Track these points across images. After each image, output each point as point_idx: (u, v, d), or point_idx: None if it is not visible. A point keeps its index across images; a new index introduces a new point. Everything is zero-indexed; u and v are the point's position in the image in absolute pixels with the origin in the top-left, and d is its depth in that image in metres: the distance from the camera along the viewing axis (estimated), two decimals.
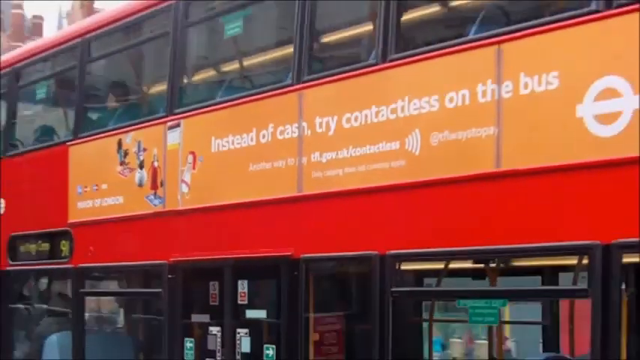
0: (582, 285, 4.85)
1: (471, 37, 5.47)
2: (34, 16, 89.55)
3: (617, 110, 4.65)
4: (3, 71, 9.74)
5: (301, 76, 6.33)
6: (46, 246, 8.77)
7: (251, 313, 6.68)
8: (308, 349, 6.31)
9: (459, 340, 15.56)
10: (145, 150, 7.63)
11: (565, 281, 5.89)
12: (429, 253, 5.65)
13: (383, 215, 5.79)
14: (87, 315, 9.06)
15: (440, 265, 6.02)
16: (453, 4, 6.17)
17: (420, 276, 6.77)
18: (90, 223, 8.19)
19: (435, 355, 11.33)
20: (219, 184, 6.98)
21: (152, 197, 7.52)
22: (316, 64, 6.47)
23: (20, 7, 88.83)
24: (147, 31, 8.12)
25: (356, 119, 5.92)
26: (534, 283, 6.59)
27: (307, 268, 6.22)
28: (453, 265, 5.96)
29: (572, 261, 5.11)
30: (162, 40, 7.76)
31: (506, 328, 15.36)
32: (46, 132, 9.53)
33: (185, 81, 7.71)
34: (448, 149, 5.38)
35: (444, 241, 5.46)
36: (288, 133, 6.37)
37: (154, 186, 7.51)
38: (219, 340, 6.87)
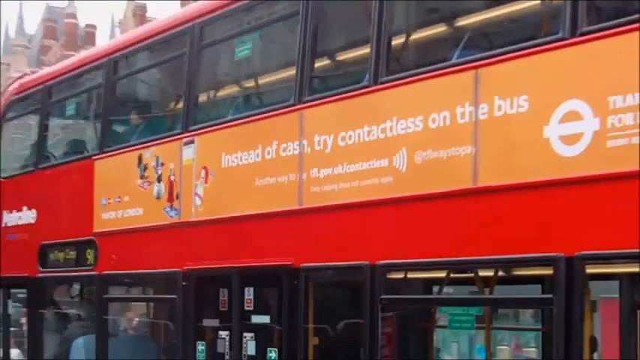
0: (548, 295, 5.21)
1: (452, 62, 5.85)
2: (87, 25, 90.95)
3: (579, 132, 5.00)
4: (36, 88, 10.35)
5: (302, 96, 6.76)
6: (73, 254, 9.29)
7: (256, 319, 7.12)
8: (307, 353, 6.72)
9: (506, 348, 15.74)
10: (162, 165, 8.12)
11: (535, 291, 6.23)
12: (415, 264, 6.05)
13: (373, 228, 6.20)
14: (112, 318, 9.57)
15: (426, 275, 6.39)
16: (439, 30, 6.55)
17: (412, 285, 7.15)
18: (113, 233, 8.71)
19: None
20: (229, 197, 7.44)
21: (169, 209, 8.01)
22: (316, 85, 6.90)
23: (74, 16, 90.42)
24: (166, 52, 8.62)
25: (350, 138, 6.33)
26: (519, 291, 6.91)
27: (306, 277, 6.64)
28: (435, 275, 6.33)
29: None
30: (180, 60, 8.26)
31: None
32: (75, 146, 10.08)
33: (200, 100, 8.19)
34: (431, 167, 5.77)
35: (427, 252, 5.85)
36: (290, 150, 6.80)
37: (171, 198, 7.99)
38: (227, 343, 7.32)
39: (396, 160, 5.98)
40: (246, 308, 7.19)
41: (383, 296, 6.05)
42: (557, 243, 5.09)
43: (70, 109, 10.03)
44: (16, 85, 11.14)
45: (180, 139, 7.93)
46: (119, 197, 8.65)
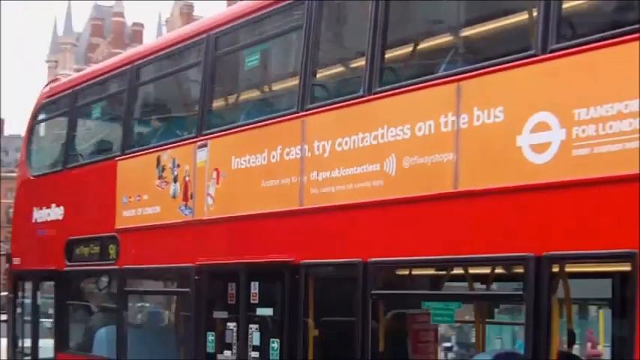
0: (519, 291, 5.65)
1: (437, 74, 6.31)
2: (134, 24, 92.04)
3: (547, 141, 5.42)
4: (65, 92, 10.97)
5: (304, 104, 7.25)
6: (96, 249, 9.88)
7: (260, 311, 7.62)
8: (308, 343, 7.20)
9: None
10: (178, 166, 8.65)
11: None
12: (401, 262, 6.52)
13: (365, 227, 6.67)
14: (133, 310, 10.14)
15: (415, 272, 6.84)
16: (428, 44, 7.00)
17: (403, 281, 7.59)
18: (133, 230, 9.27)
19: None
20: (238, 198, 7.95)
21: (183, 208, 8.54)
22: (317, 94, 7.38)
23: (121, 14, 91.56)
24: (182, 61, 9.17)
25: (346, 144, 6.80)
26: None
27: (306, 272, 7.13)
28: (425, 272, 6.78)
29: None
30: (196, 68, 8.80)
31: (601, 334, 16.03)
32: (100, 147, 10.67)
33: (213, 105, 8.72)
34: (417, 172, 6.22)
35: (413, 251, 6.31)
36: (292, 155, 7.29)
37: (185, 198, 8.52)
38: (234, 334, 7.83)
39: (386, 165, 6.44)
40: (252, 301, 7.68)
41: (373, 291, 6.52)
42: (528, 244, 5.52)
43: (96, 113, 10.64)
44: (47, 89, 11.80)
45: (195, 142, 8.46)
46: (139, 196, 9.20)
